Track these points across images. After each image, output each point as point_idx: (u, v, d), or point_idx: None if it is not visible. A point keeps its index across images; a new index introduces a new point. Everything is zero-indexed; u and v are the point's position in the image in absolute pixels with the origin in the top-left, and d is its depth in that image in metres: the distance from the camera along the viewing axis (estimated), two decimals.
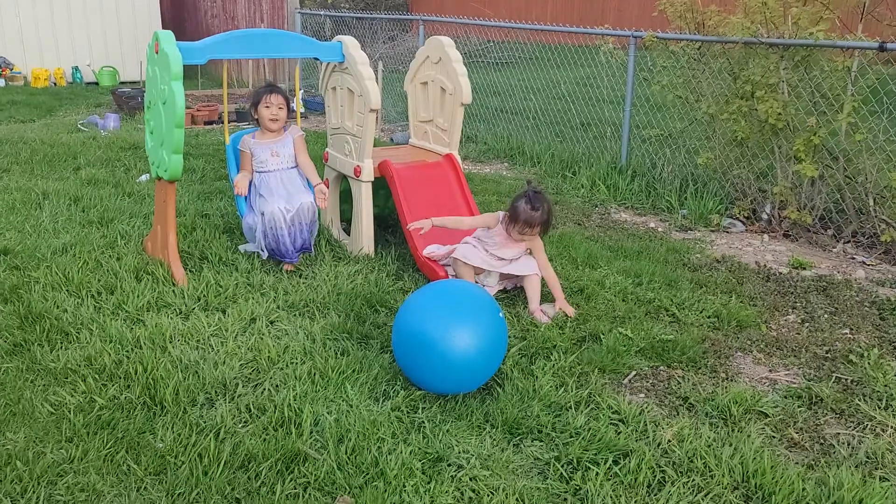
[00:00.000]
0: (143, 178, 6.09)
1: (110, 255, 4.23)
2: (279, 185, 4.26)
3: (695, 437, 2.71)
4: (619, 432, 2.74)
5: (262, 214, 4.11)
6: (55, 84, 12.82)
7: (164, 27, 13.84)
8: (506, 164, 7.37)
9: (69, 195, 5.39)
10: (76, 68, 13.18)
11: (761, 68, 5.30)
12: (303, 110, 9.94)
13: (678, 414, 2.92)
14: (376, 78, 7.99)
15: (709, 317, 3.78)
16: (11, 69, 12.69)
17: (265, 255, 4.21)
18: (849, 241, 5.16)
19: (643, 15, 12.26)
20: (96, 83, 13.10)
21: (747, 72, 5.36)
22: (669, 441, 2.68)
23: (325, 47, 4.34)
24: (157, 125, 4.00)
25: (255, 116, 4.39)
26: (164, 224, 4.08)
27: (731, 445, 2.65)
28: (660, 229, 5.42)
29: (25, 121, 9.21)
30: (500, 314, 3.01)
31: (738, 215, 5.60)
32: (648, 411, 2.89)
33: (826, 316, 3.89)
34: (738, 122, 5.43)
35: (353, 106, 4.39)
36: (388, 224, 4.98)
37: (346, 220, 4.84)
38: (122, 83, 13.05)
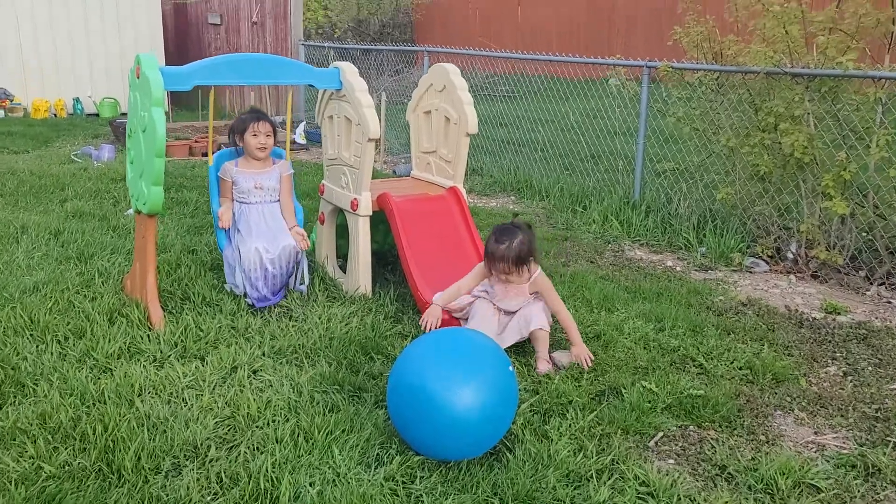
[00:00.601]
0: (130, 211, 5.77)
1: (85, 295, 3.89)
2: (260, 221, 3.99)
3: None
4: None
5: (239, 253, 3.83)
6: (55, 115, 12.63)
7: (167, 60, 13.68)
8: (513, 198, 7.05)
9: (50, 229, 5.07)
10: (77, 99, 13.01)
11: (785, 100, 4.99)
12: (304, 142, 9.68)
13: (716, 486, 2.54)
14: (378, 109, 7.75)
15: (740, 368, 3.41)
16: (11, 100, 12.51)
17: (251, 301, 3.89)
18: (883, 283, 4.79)
19: (650, 47, 12.06)
20: (97, 115, 12.91)
21: (770, 103, 5.06)
22: None
23: (321, 74, 4.05)
24: (137, 154, 3.69)
25: (239, 144, 4.10)
26: (144, 261, 3.74)
27: None
28: (678, 268, 5.07)
29: (19, 152, 8.96)
30: (510, 368, 2.64)
31: (761, 254, 5.24)
32: (681, 483, 2.51)
33: (870, 368, 3.52)
34: (761, 155, 5.11)
35: (350, 135, 4.08)
36: (388, 261, 4.65)
37: (343, 256, 4.51)
38: (123, 114, 12.86)
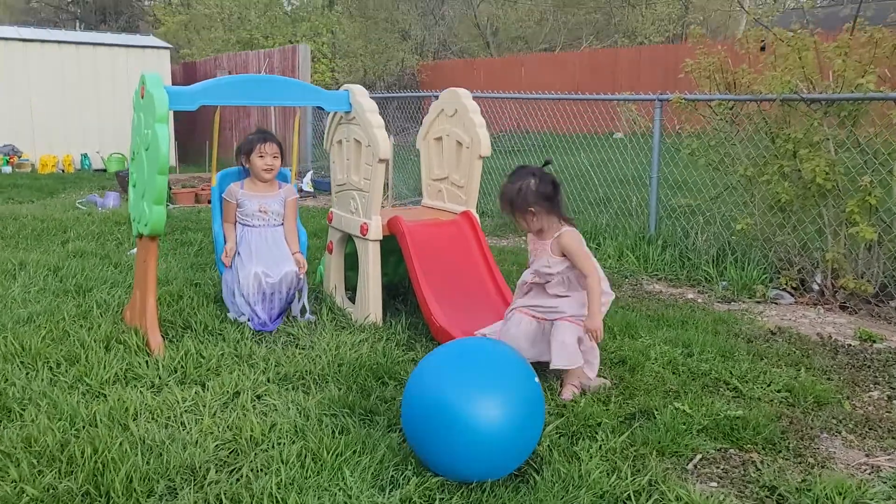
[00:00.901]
0: (134, 251, 5.62)
1: (81, 325, 3.70)
2: (261, 244, 3.88)
3: None
4: None
5: (239, 277, 3.71)
6: (63, 171, 12.66)
7: (176, 120, 13.77)
8: (524, 239, 6.89)
9: (49, 266, 4.91)
10: (85, 155, 13.06)
11: (803, 126, 4.88)
12: (311, 190, 9.63)
13: None
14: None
15: (778, 391, 3.18)
16: (19, 156, 12.56)
17: (253, 324, 3.73)
18: None
19: (654, 89, 12.09)
20: (104, 170, 12.93)
21: (788, 130, 4.94)
22: None
23: (330, 95, 3.96)
24: (140, 175, 3.56)
25: (246, 165, 3.99)
26: (144, 286, 3.57)
27: None
28: (699, 300, 4.86)
29: (24, 202, 8.89)
30: (536, 380, 2.44)
31: (785, 286, 5.04)
32: None
33: None
34: (780, 183, 4.96)
35: (360, 158, 3.96)
36: (399, 292, 4.47)
37: (352, 288, 4.33)
38: None
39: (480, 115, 4.14)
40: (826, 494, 2.31)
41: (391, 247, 4.08)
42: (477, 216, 4.14)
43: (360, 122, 3.88)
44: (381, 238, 3.90)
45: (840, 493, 2.31)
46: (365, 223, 3.89)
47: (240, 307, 3.76)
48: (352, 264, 4.33)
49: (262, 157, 3.91)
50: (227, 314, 3.88)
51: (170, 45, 14.18)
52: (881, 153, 4.66)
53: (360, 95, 3.90)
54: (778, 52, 5.11)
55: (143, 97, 3.52)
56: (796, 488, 2.38)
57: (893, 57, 4.78)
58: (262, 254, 3.83)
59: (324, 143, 4.41)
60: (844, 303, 4.80)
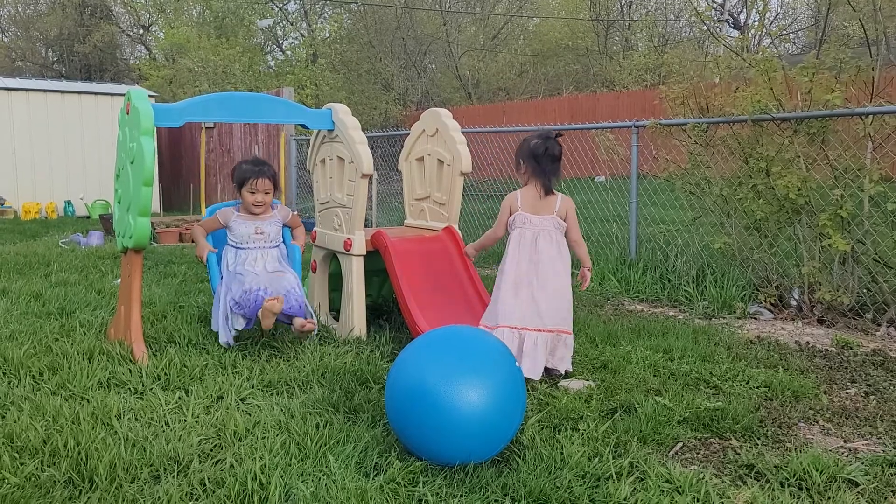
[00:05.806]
0: (118, 281, 5.63)
1: (64, 342, 3.70)
2: (260, 267, 3.80)
3: None
4: (676, 503, 2.13)
5: (233, 292, 3.66)
6: (46, 217, 12.66)
7: (160, 164, 13.88)
8: None
9: (32, 293, 4.92)
10: (68, 202, 13.08)
11: (774, 144, 5.04)
12: None
13: (744, 483, 2.32)
14: (370, 187, 7.78)
15: (758, 387, 3.23)
16: (2, 204, 12.57)
17: (232, 333, 3.68)
18: (892, 325, 4.65)
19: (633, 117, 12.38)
20: (88, 216, 12.94)
21: (760, 149, 5.10)
22: None
23: (313, 114, 4.05)
24: (125, 189, 3.62)
25: (237, 196, 3.97)
26: (129, 300, 3.59)
27: None
28: (680, 317, 4.92)
29: (5, 243, 8.87)
30: (517, 364, 2.47)
31: (763, 303, 5.12)
32: (708, 480, 2.30)
33: (893, 388, 3.34)
34: (755, 201, 5.09)
35: (343, 175, 4.03)
36: (383, 311, 4.50)
37: (336, 309, 4.35)
38: None
39: (461, 133, 4.24)
40: (804, 469, 2.34)
41: (374, 267, 4.13)
42: (459, 232, 4.20)
43: (343, 138, 3.97)
44: (364, 253, 3.95)
45: (817, 469, 2.34)
46: (349, 239, 3.95)
47: (232, 321, 3.69)
48: (335, 285, 4.37)
49: (253, 192, 3.89)
50: (220, 340, 3.79)
51: (156, 94, 14.36)
52: (851, 169, 4.80)
53: (342, 113, 4.00)
54: (747, 75, 5.31)
55: (128, 112, 3.60)
56: (774, 466, 2.41)
57: (858, 78, 4.97)
58: (259, 273, 3.78)
59: (307, 163, 4.49)
60: (822, 317, 4.88)
